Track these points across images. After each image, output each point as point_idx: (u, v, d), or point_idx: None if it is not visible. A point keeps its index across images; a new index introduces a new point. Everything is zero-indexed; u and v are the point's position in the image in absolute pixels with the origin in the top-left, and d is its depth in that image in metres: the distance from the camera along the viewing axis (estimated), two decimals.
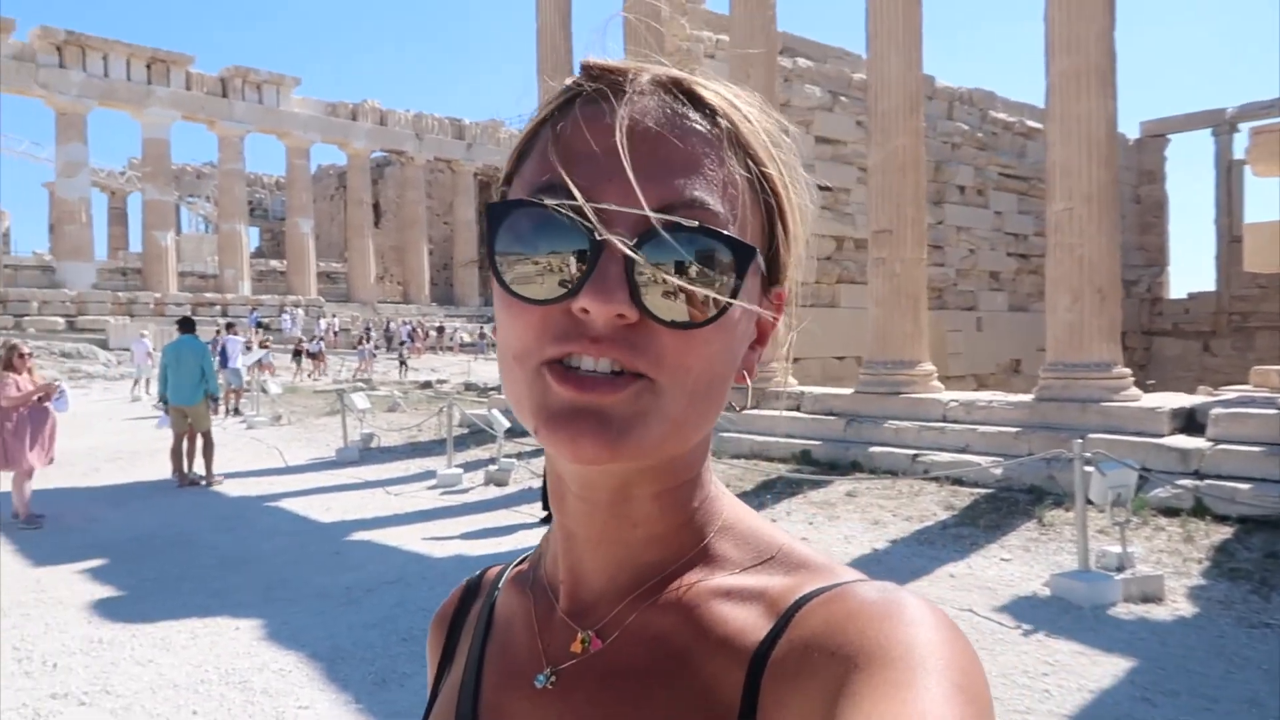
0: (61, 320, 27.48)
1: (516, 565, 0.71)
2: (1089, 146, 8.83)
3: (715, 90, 0.55)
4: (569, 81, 0.56)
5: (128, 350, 24.49)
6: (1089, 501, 5.65)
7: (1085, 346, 8.64)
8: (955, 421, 9.12)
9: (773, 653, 0.51)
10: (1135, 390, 8.57)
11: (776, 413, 10.57)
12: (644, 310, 0.49)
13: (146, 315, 29.51)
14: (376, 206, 42.58)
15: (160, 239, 33.42)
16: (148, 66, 33.90)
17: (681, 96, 0.54)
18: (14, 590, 6.03)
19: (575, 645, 0.59)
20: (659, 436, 0.51)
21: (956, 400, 9.37)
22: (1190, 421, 8.01)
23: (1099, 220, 8.80)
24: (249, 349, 20.01)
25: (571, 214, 0.49)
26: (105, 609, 5.61)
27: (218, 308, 31.07)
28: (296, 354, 24.67)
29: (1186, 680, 4.27)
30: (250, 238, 39.93)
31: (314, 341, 25.68)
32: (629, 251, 0.49)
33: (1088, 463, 5.70)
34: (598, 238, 0.49)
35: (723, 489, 0.62)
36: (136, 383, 19.28)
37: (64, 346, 24.43)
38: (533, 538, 7.27)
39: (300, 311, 32.80)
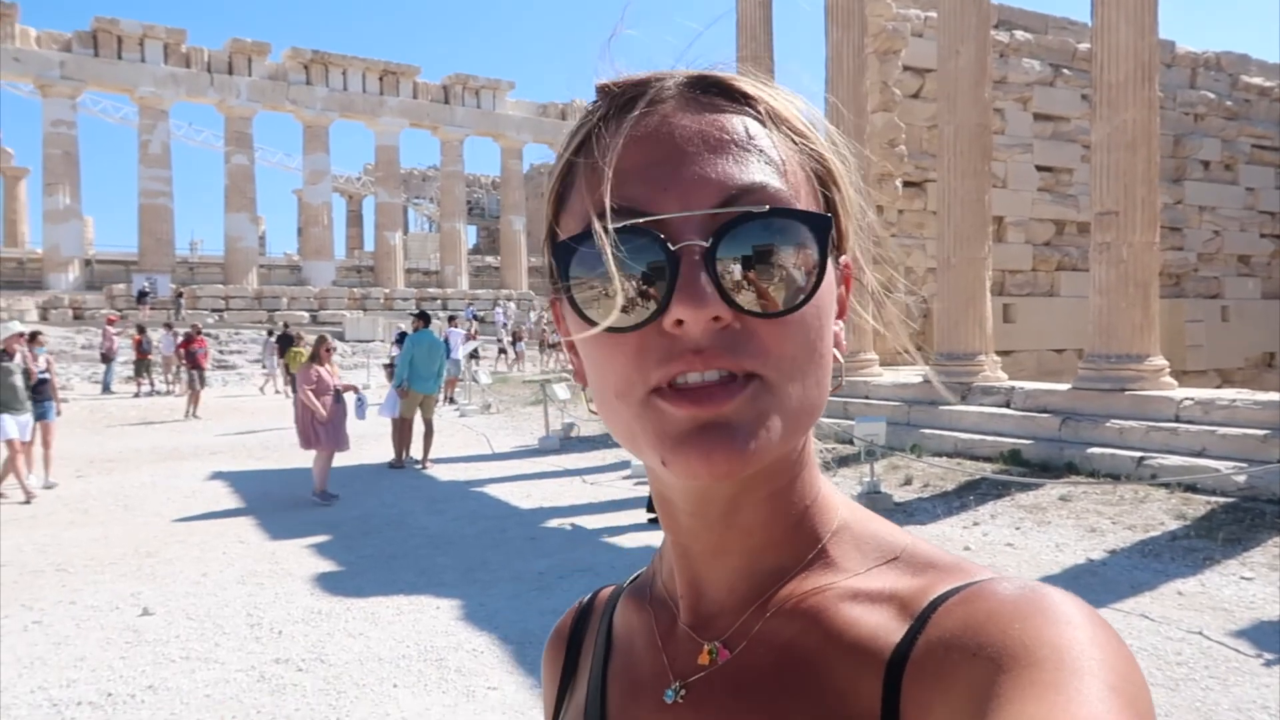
0: (306, 314, 30.25)
1: (630, 583, 0.71)
2: None
3: (745, 79, 0.55)
4: (587, 108, 0.56)
5: (361, 342, 26.66)
6: None
7: None
8: (1190, 422, 8.25)
9: (910, 655, 0.49)
10: None
11: (984, 409, 9.98)
12: (737, 308, 0.48)
13: (377, 309, 31.99)
14: None
15: (390, 238, 36.12)
16: (380, 79, 36.68)
17: (711, 91, 0.53)
18: (252, 560, 6.68)
19: (703, 657, 0.58)
20: (783, 433, 0.50)
21: (1192, 398, 8.48)
22: None
23: None
24: (468, 339, 21.24)
25: (639, 232, 0.48)
26: (326, 582, 6.10)
27: (439, 301, 33.17)
28: (542, 345, 26.34)
29: None
30: (468, 235, 42.39)
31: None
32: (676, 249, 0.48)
33: None
34: (672, 248, 0.48)
35: (834, 488, 0.60)
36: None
37: (309, 339, 26.91)
38: None
39: (512, 305, 34.45)
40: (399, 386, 10.88)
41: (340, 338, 28.10)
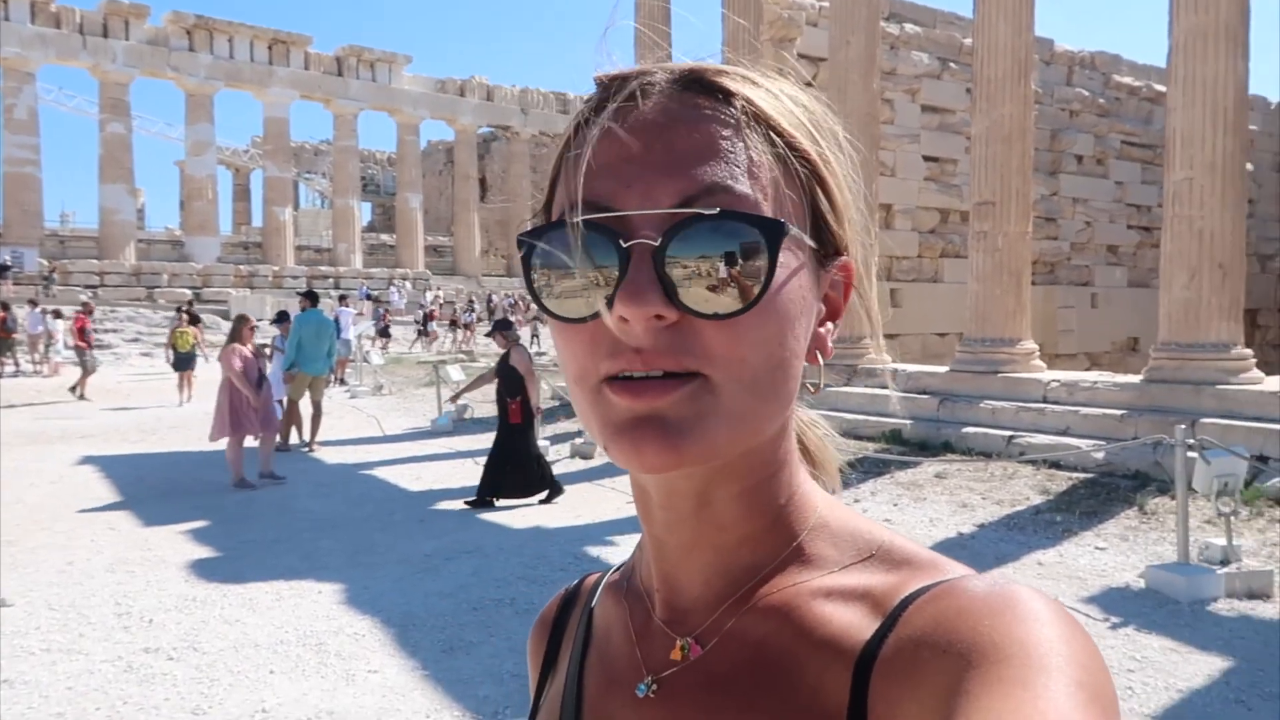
0: (189, 292, 28.97)
1: (613, 573, 0.70)
2: (1214, 112, 8.23)
3: (729, 74, 0.54)
4: (584, 98, 0.56)
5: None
6: (1193, 490, 5.32)
7: (1202, 326, 8.11)
8: (1056, 403, 8.71)
9: (880, 652, 0.49)
10: (1257, 373, 8.01)
11: (868, 390, 10.32)
12: (681, 307, 0.48)
13: (265, 287, 30.88)
14: (483, 181, 43.32)
15: (279, 214, 34.85)
16: (269, 48, 35.24)
17: (694, 88, 0.53)
18: (123, 548, 6.41)
19: (675, 653, 0.58)
20: (723, 434, 0.50)
21: (1058, 380, 8.95)
22: None
23: (1222, 192, 8.21)
24: (358, 320, 20.74)
25: (600, 227, 0.49)
26: (202, 568, 5.91)
27: (331, 280, 32.24)
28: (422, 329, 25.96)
29: None
30: (362, 213, 41.27)
31: (468, 313, 26.77)
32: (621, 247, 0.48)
33: (1192, 449, 5.35)
34: (624, 245, 0.48)
35: (814, 485, 0.60)
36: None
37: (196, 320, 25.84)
38: (612, 512, 7.31)
39: (408, 285, 33.77)
40: (287, 369, 10.49)
41: (225, 316, 27.06)
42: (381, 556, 6.15)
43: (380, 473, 9.24)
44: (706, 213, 0.48)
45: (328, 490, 8.44)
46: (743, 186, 0.50)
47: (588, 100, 0.55)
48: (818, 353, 0.56)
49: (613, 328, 0.49)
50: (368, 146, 48.29)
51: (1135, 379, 8.52)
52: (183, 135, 35.54)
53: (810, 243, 0.53)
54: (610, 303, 0.48)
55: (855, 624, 0.52)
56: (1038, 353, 9.81)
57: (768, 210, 0.51)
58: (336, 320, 17.95)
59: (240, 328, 8.82)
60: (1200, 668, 4.14)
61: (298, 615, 4.99)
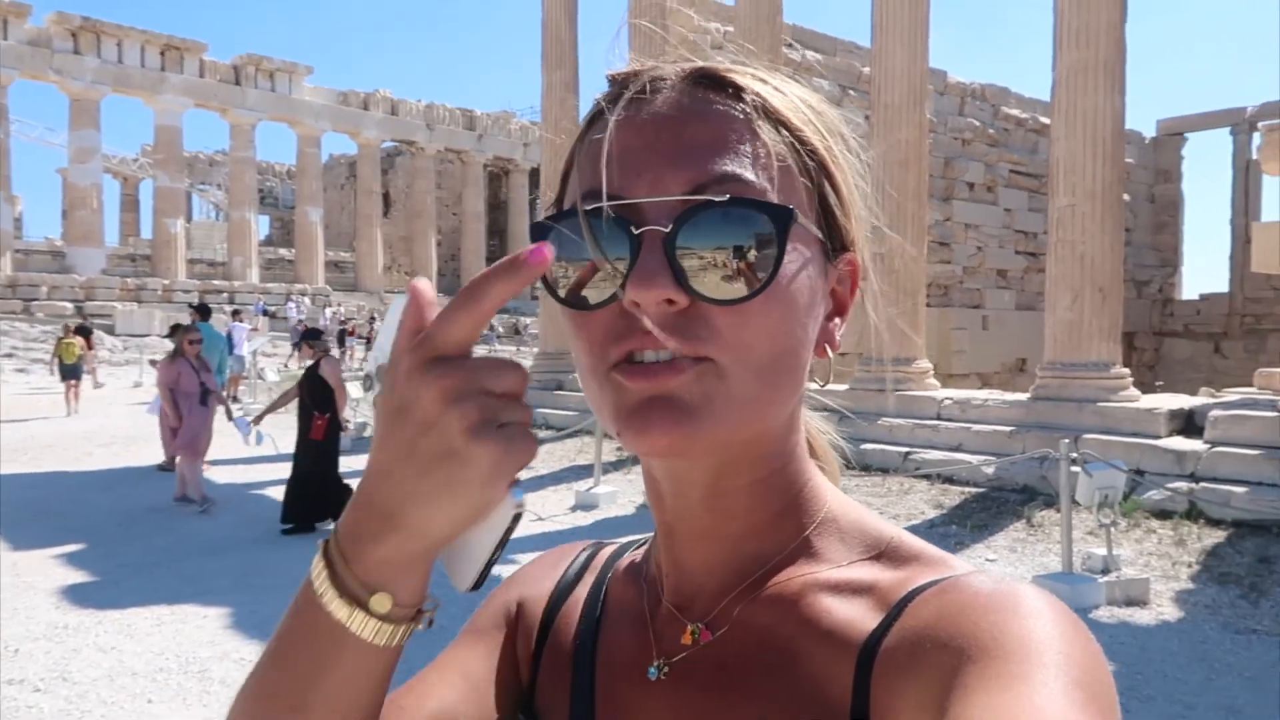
0: (70, 305, 27.58)
1: (632, 552, 0.70)
2: (1094, 142, 8.67)
3: (739, 70, 0.55)
4: (597, 96, 0.57)
5: (134, 337, 24.63)
6: (1076, 503, 5.53)
7: (1084, 346, 8.50)
8: (950, 420, 9.00)
9: (883, 644, 0.50)
10: (1134, 391, 8.43)
11: None
12: (691, 292, 0.49)
13: (154, 301, 29.60)
14: (386, 196, 42.57)
15: (170, 226, 33.50)
16: (161, 53, 33.98)
17: (704, 83, 0.54)
18: None
19: (685, 637, 0.58)
20: (731, 419, 0.51)
21: (951, 398, 9.24)
22: (1189, 423, 7.86)
23: (1102, 218, 8.65)
24: (253, 336, 20.07)
25: (607, 216, 0.50)
26: (75, 594, 5.57)
27: (225, 295, 31.11)
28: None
29: (1163, 685, 4.16)
30: (260, 226, 40.04)
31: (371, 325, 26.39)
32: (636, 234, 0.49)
33: (1075, 463, 5.58)
34: (635, 231, 0.49)
35: (824, 480, 0.61)
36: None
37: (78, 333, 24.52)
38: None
39: (306, 300, 32.84)
40: None
41: (110, 331, 25.83)
42: (272, 579, 5.91)
43: (273, 492, 8.90)
44: (716, 200, 0.49)
45: (216, 510, 8.08)
46: (751, 176, 0.51)
47: (602, 95, 0.56)
48: (826, 346, 0.57)
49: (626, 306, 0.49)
50: (266, 158, 46.92)
51: (1023, 397, 8.87)
52: (66, 141, 33.88)
53: (819, 234, 0.54)
54: (623, 288, 0.49)
55: (860, 616, 0.53)
56: (932, 371, 10.12)
57: (775, 200, 0.51)
58: (229, 336, 17.33)
59: (181, 339, 8.23)
60: None
61: (179, 641, 4.74)
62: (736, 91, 0.54)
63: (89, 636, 4.82)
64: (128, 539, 7.01)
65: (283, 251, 41.59)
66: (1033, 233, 20.32)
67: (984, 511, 7.14)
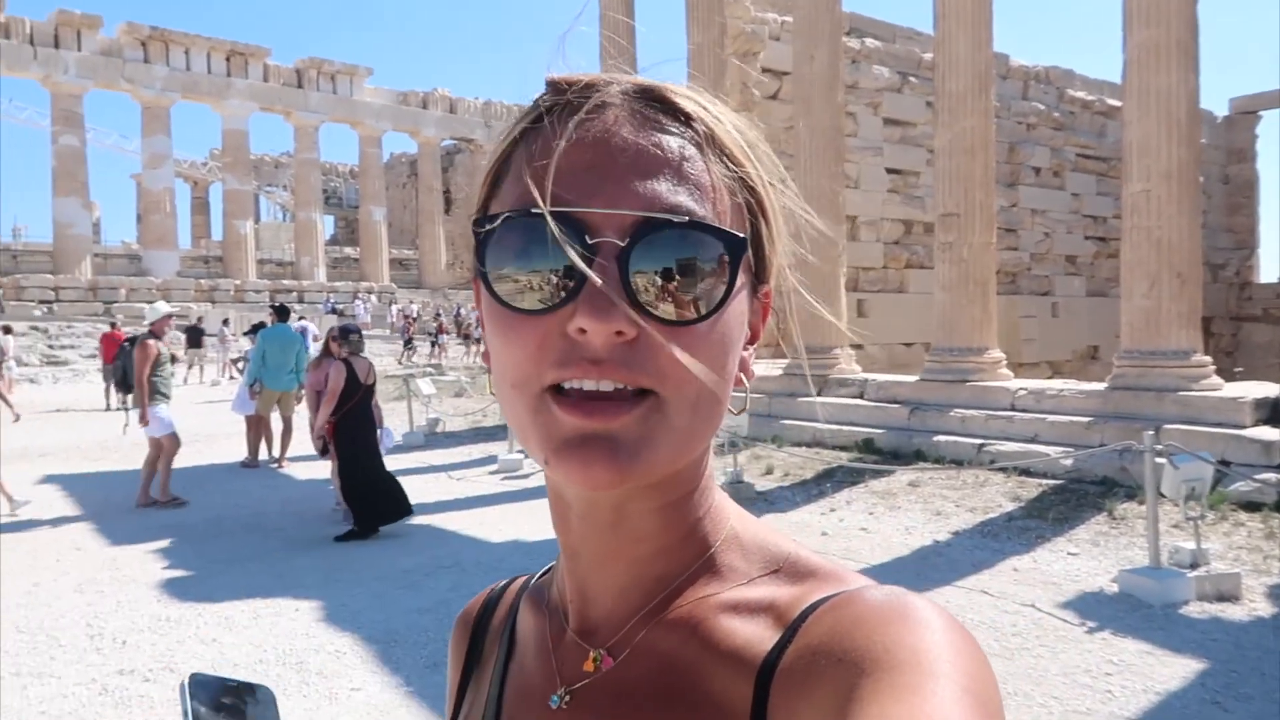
0: (147, 307, 28.51)
1: (540, 577, 0.71)
2: (1168, 123, 8.44)
3: (686, 95, 0.55)
4: (535, 99, 0.55)
5: (210, 336, 25.33)
6: (1161, 495, 5.43)
7: (1162, 333, 8.30)
8: (1024, 410, 8.86)
9: (780, 662, 0.51)
10: (1216, 379, 8.21)
11: (840, 400, 10.40)
12: (644, 312, 0.49)
13: (227, 301, 30.46)
14: (447, 194, 43.12)
15: (240, 227, 34.41)
16: (227, 59, 34.84)
17: (653, 104, 0.53)
18: (90, 568, 6.27)
19: (588, 664, 0.59)
20: (666, 453, 0.51)
21: (1025, 388, 9.10)
22: (1275, 412, 7.63)
23: (1178, 201, 8.42)
24: (318, 338, 20.54)
25: (559, 227, 0.49)
26: (175, 588, 5.80)
27: (294, 294, 31.87)
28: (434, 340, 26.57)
29: (1262, 684, 4.07)
30: (325, 226, 40.88)
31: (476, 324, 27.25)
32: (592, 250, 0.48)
33: (1159, 454, 5.47)
34: (589, 241, 0.49)
35: (726, 498, 0.61)
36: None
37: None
38: None
39: (373, 298, 33.47)
40: (251, 385, 10.42)
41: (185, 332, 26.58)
42: (358, 573, 6.08)
43: None
44: (675, 220, 0.49)
45: (299, 507, 8.33)
46: (703, 209, 0.51)
47: (540, 99, 0.54)
48: (742, 375, 0.57)
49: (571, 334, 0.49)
50: (329, 159, 47.84)
51: (1100, 386, 8.69)
52: (139, 148, 34.98)
53: (753, 266, 0.56)
54: (573, 296, 0.48)
55: (759, 636, 0.53)
56: (1004, 361, 9.96)
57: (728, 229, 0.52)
58: (303, 334, 17.75)
59: (328, 340, 7.80)
60: (1176, 670, 4.23)
61: (275, 634, 4.92)
62: (687, 118, 0.53)
63: (190, 629, 5.02)
64: (216, 534, 7.26)
65: (348, 250, 42.40)
66: (1102, 217, 19.83)
67: (1063, 504, 7.02)
